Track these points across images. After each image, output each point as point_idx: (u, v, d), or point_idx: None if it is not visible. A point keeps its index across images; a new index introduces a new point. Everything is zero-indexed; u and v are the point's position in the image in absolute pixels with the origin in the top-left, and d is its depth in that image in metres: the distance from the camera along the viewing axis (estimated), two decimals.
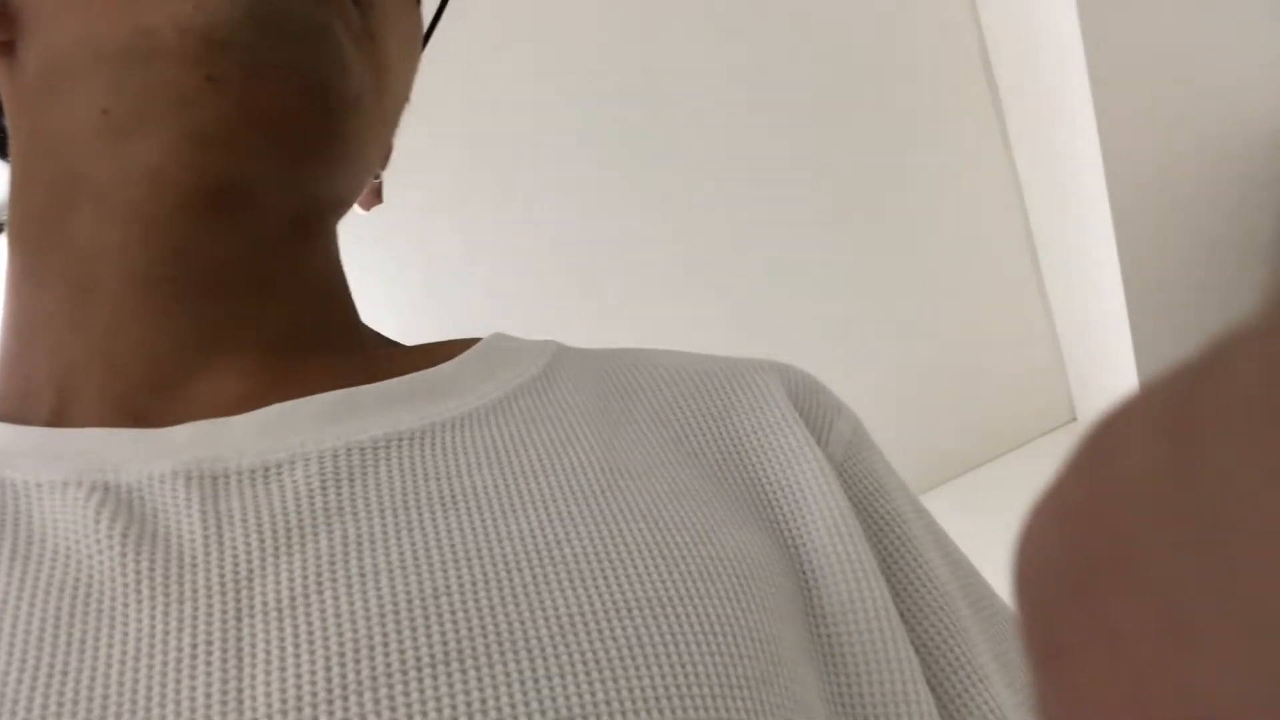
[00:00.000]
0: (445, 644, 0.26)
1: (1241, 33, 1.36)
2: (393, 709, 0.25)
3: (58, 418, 0.34)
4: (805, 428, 0.37)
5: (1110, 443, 0.11)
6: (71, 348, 0.34)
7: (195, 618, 0.27)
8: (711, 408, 0.38)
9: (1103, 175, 1.45)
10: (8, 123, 0.38)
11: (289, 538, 0.29)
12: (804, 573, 0.33)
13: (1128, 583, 0.10)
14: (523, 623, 0.27)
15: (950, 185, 1.80)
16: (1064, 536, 0.12)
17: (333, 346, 0.38)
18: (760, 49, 1.58)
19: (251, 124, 0.33)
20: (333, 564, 0.28)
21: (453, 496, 0.31)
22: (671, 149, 1.63)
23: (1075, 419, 2.18)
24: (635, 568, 0.29)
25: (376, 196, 0.48)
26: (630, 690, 0.26)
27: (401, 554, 0.29)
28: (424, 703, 0.25)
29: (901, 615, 0.34)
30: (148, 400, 0.34)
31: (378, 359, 0.38)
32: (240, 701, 0.25)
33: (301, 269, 0.38)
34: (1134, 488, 0.11)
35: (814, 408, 0.40)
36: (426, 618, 0.27)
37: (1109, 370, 1.83)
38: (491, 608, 0.27)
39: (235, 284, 0.36)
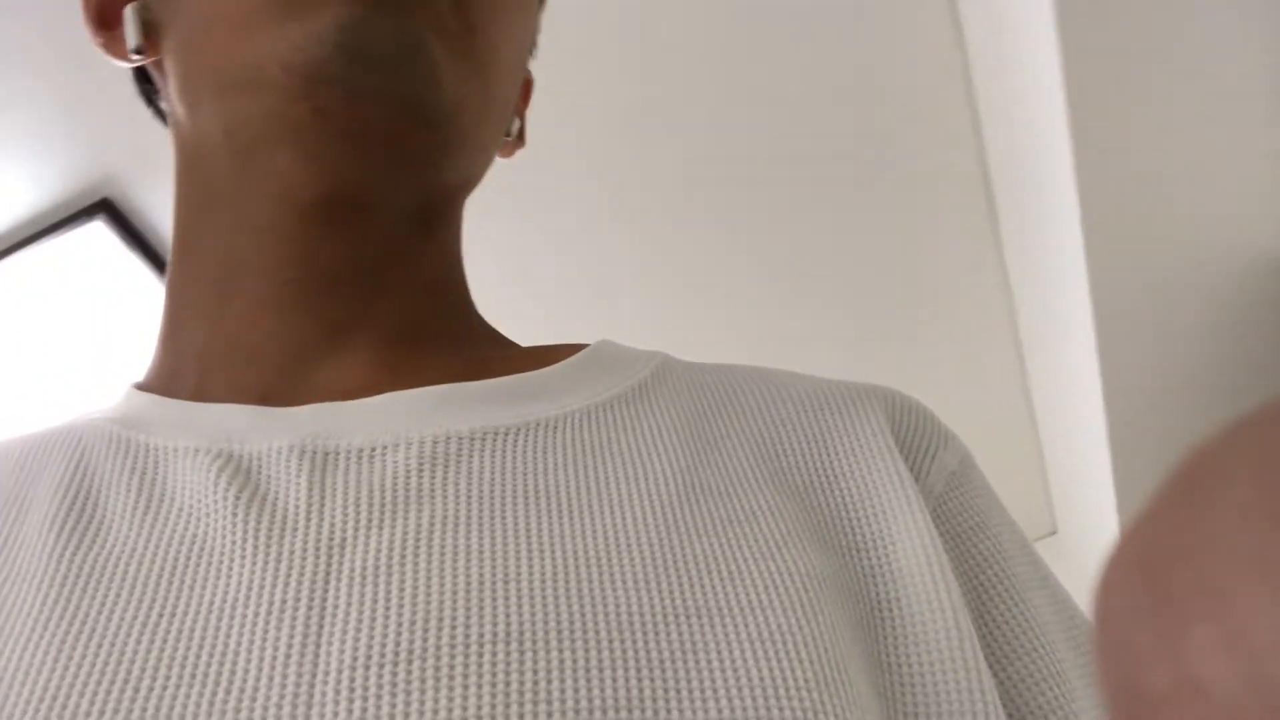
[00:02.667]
0: (508, 625, 0.28)
1: (1234, 155, 1.39)
2: (451, 678, 0.27)
3: (197, 394, 0.38)
4: (900, 456, 0.37)
5: (1201, 485, 0.11)
6: (211, 336, 0.39)
7: (288, 576, 0.30)
8: (809, 430, 0.38)
9: (1088, 291, 1.47)
10: (170, 127, 0.43)
11: (382, 513, 0.32)
12: (880, 600, 0.33)
13: (1219, 634, 0.10)
14: (583, 616, 0.29)
15: (943, 295, 1.82)
16: (1150, 586, 0.11)
17: (447, 339, 0.42)
18: (764, 146, 1.62)
19: (358, 144, 0.36)
20: (417, 540, 0.31)
21: (534, 492, 0.33)
22: (678, 228, 1.67)
23: (1056, 531, 2.17)
24: (697, 578, 0.30)
25: (518, 142, 0.50)
26: (679, 687, 0.27)
27: (480, 539, 0.31)
28: (480, 675, 0.27)
29: (994, 655, 0.34)
30: (275, 384, 0.38)
31: (488, 358, 0.41)
32: (316, 655, 0.28)
33: (420, 265, 0.42)
34: (1228, 533, 0.10)
35: (916, 437, 0.39)
36: (494, 600, 0.29)
37: (1091, 485, 1.83)
38: (555, 598, 0.29)
39: (355, 284, 0.40)
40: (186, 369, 0.40)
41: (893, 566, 0.33)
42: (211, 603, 0.30)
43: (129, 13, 0.41)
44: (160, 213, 1.51)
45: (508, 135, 0.47)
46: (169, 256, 0.42)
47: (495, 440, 0.35)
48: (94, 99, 1.36)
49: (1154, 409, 1.62)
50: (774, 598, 0.30)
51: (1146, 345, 1.55)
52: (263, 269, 0.39)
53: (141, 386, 0.41)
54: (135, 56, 0.41)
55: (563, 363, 0.40)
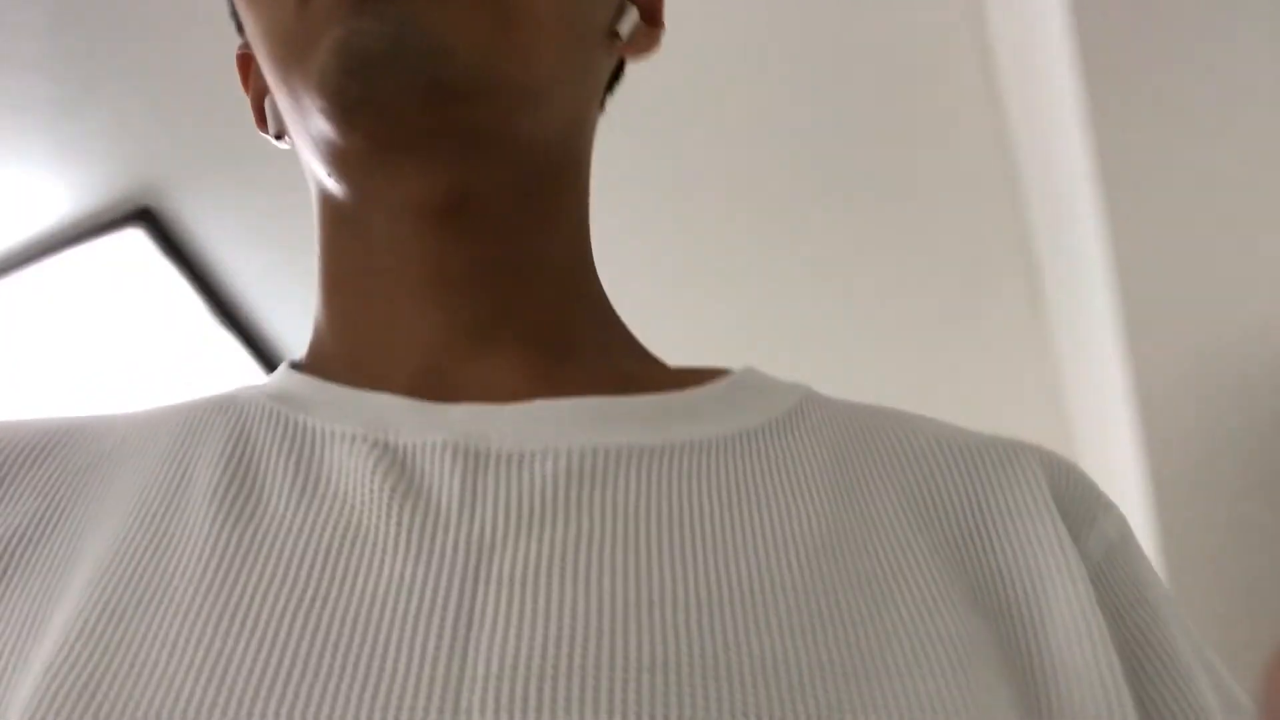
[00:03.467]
0: (653, 653, 0.28)
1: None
2: (596, 702, 0.27)
3: (356, 382, 0.38)
4: (1061, 520, 0.36)
5: None
6: (366, 332, 0.41)
7: (439, 575, 0.30)
8: (964, 484, 0.37)
9: (1133, 399, 1.39)
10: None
11: (530, 520, 0.32)
12: (1036, 669, 0.32)
13: None
14: (729, 655, 0.28)
15: (988, 386, 1.75)
16: None
17: (594, 349, 0.42)
18: (797, 145, 1.60)
19: (420, 150, 0.37)
20: (564, 553, 0.31)
21: (680, 516, 0.33)
22: (717, 224, 1.64)
23: None
24: (847, 633, 0.29)
25: (650, 30, 0.46)
26: None
27: (625, 559, 0.31)
28: (626, 703, 0.27)
29: None
30: (428, 380, 0.38)
31: (635, 374, 0.41)
32: (464, 660, 0.28)
33: (547, 258, 0.41)
34: None
35: (1077, 501, 0.38)
36: (639, 623, 0.29)
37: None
38: (702, 632, 0.29)
39: (485, 281, 0.40)
40: (343, 358, 0.41)
41: (1050, 634, 0.32)
42: (364, 593, 0.30)
43: (266, 105, 0.44)
44: (199, 223, 1.55)
45: (616, 35, 0.43)
46: (317, 251, 0.43)
47: (642, 459, 0.34)
48: (140, 110, 1.40)
49: (1205, 525, 1.51)
50: (928, 660, 0.29)
51: (1198, 457, 1.45)
52: (398, 275, 0.40)
53: (297, 366, 0.42)
54: (280, 143, 0.45)
55: (709, 385, 0.39)
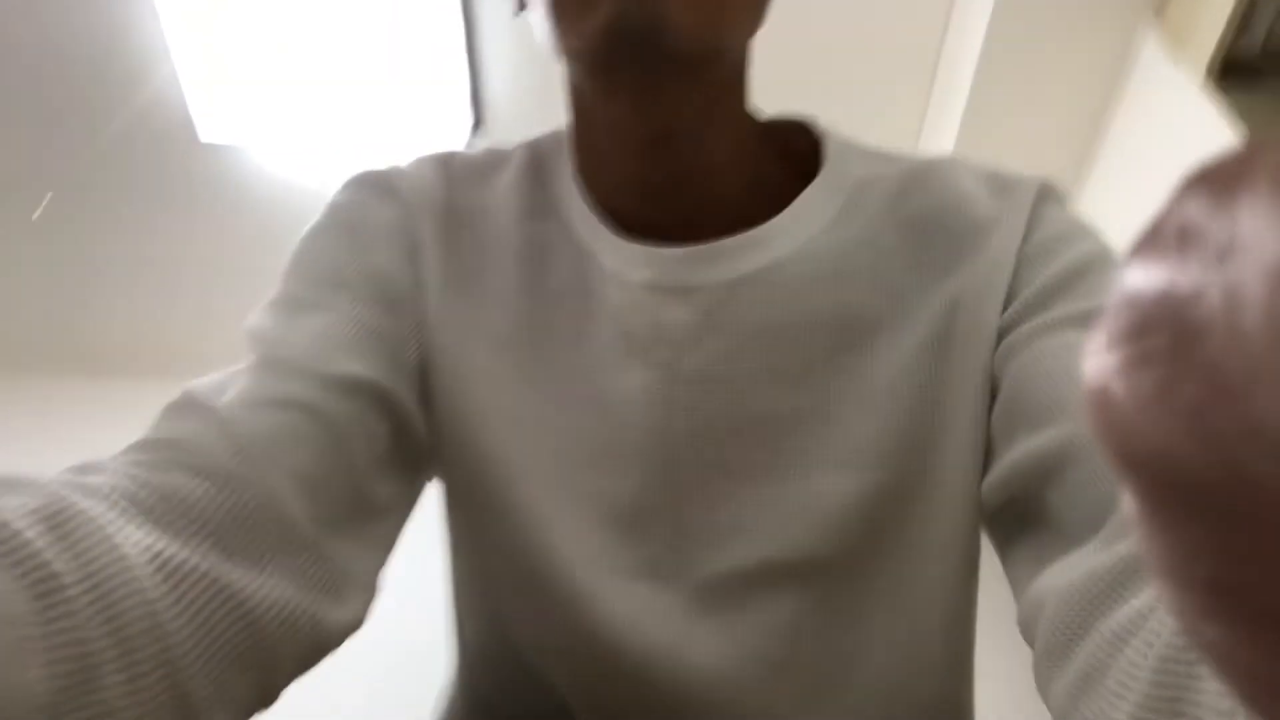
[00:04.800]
0: (772, 410, 0.54)
1: None
2: (720, 454, 0.54)
3: (604, 206, 0.57)
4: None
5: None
6: (601, 191, 0.58)
7: (650, 377, 0.54)
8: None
9: None
10: None
11: (698, 335, 0.54)
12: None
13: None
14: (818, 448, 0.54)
15: None
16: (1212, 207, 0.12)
17: (739, 195, 0.56)
18: None
19: (632, 96, 0.50)
20: (718, 361, 0.54)
21: (788, 322, 0.54)
22: None
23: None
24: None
25: None
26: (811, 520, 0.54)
27: (747, 371, 0.54)
28: (741, 453, 0.54)
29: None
30: (634, 223, 0.56)
31: (755, 216, 0.56)
32: (665, 430, 0.54)
33: (718, 154, 0.55)
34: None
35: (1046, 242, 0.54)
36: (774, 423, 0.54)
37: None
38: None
39: (683, 191, 0.55)
40: (588, 187, 0.58)
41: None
42: (610, 393, 0.55)
43: None
44: None
45: None
46: (568, 111, 0.57)
47: (756, 281, 0.54)
48: None
49: None
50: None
51: None
52: (621, 169, 0.55)
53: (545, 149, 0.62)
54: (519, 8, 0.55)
55: (799, 202, 0.56)
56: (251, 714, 0.40)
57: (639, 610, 0.54)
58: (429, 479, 0.59)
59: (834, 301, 0.54)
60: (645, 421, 0.54)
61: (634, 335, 0.55)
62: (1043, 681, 0.40)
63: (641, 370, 0.54)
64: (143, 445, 0.42)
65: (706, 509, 0.54)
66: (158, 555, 0.36)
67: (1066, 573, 0.39)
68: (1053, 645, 0.38)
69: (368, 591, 0.47)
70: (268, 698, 0.41)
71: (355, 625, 0.45)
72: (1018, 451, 0.46)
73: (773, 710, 0.54)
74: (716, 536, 0.54)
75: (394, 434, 0.52)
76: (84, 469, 0.40)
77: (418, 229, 0.58)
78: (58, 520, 0.34)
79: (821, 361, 0.53)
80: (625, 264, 0.55)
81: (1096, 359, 0.13)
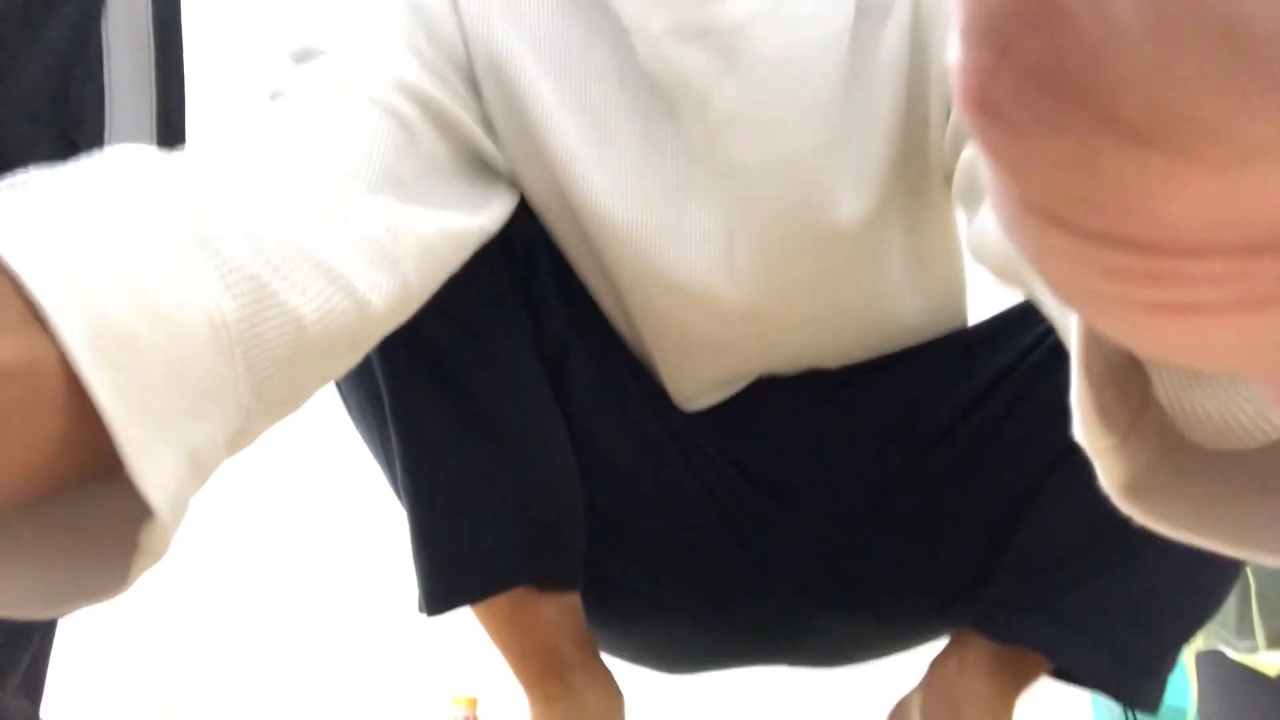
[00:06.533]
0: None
1: None
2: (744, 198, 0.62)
3: None
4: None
5: None
6: None
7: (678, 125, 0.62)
8: None
9: None
10: None
11: (719, 76, 0.59)
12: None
13: None
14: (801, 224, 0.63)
15: None
16: None
17: None
18: None
19: None
20: (739, 104, 0.59)
21: (787, 58, 0.60)
22: None
23: None
24: None
25: None
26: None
27: (768, 110, 0.60)
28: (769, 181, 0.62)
29: None
30: None
31: None
32: (687, 187, 0.63)
33: None
34: None
35: None
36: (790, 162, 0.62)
37: None
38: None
39: None
40: None
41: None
42: (618, 143, 0.63)
43: None
44: None
45: None
46: None
47: (761, 21, 0.60)
48: None
49: None
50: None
51: None
52: None
53: None
54: None
55: None
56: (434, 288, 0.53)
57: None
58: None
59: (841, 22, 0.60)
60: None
61: (660, 85, 0.60)
62: (974, 246, 0.52)
63: (668, 120, 0.61)
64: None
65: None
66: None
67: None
68: (967, 199, 0.55)
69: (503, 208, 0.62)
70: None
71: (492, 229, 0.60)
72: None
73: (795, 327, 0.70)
74: None
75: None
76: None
77: None
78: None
79: (837, 90, 0.60)
80: (643, 10, 0.59)
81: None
